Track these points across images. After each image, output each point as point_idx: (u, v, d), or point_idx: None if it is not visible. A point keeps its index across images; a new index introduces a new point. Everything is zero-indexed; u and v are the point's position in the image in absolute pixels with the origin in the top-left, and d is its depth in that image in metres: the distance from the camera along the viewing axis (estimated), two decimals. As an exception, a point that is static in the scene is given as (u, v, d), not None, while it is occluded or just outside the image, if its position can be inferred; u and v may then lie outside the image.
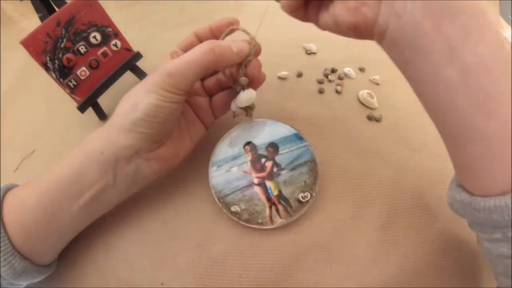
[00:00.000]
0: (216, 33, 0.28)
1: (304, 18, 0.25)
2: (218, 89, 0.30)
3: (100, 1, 0.31)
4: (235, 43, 0.24)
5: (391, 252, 0.27)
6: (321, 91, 0.36)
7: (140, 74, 0.36)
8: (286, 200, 0.27)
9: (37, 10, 0.31)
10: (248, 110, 0.28)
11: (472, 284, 0.27)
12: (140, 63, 0.35)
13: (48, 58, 0.30)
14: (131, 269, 0.27)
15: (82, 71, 0.32)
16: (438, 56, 0.19)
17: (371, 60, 0.38)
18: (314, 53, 0.40)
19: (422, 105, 0.22)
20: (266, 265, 0.26)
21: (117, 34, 0.33)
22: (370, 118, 0.34)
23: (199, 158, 0.30)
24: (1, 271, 0.22)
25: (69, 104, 0.33)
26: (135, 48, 0.35)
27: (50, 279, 0.27)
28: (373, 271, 0.26)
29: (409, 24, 0.19)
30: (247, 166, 0.28)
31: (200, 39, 0.28)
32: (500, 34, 0.18)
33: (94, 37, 0.32)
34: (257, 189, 0.27)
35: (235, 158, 0.28)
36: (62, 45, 0.30)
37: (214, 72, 0.29)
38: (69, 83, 0.31)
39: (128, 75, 0.35)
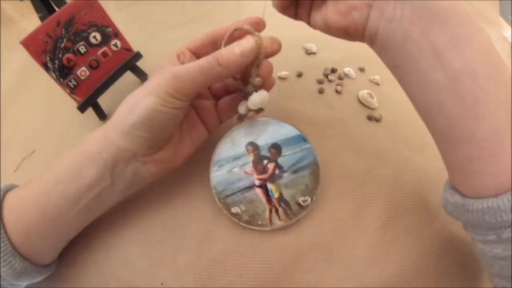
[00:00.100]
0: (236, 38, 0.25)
1: (296, 17, 0.25)
2: (224, 92, 0.29)
3: (100, 1, 0.31)
4: (237, 43, 0.23)
5: (391, 252, 0.27)
6: (321, 91, 0.36)
7: (140, 74, 0.36)
8: (286, 203, 0.27)
9: (37, 10, 0.31)
10: (259, 112, 0.28)
11: (472, 284, 0.27)
12: (140, 63, 0.35)
13: (48, 58, 0.30)
14: (131, 269, 0.27)
15: (82, 71, 0.32)
16: (426, 63, 0.19)
17: (371, 60, 0.38)
18: (314, 53, 0.40)
19: (414, 107, 0.22)
20: (266, 265, 0.26)
21: (117, 34, 0.33)
22: (370, 118, 0.34)
23: (200, 158, 0.30)
24: (1, 271, 0.22)
25: (69, 104, 0.33)
26: (135, 48, 0.35)
27: (50, 279, 0.27)
28: (373, 271, 0.26)
29: (398, 30, 0.19)
30: (249, 167, 0.28)
31: (215, 41, 0.26)
32: (488, 39, 0.19)
33: (94, 37, 0.32)
34: (258, 191, 0.27)
35: (237, 158, 0.28)
36: (62, 45, 0.30)
37: None
38: (69, 83, 0.31)
39: (128, 75, 0.35)
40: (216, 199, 0.27)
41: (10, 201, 0.23)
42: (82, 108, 0.32)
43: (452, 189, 0.21)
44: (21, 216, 0.23)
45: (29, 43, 0.28)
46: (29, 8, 0.42)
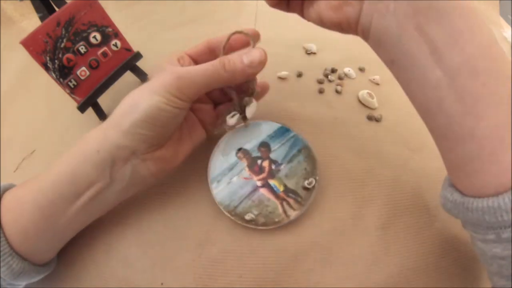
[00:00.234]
0: (233, 45, 0.26)
1: (288, 10, 0.25)
2: (222, 98, 0.29)
3: (100, 1, 0.32)
4: (246, 53, 0.23)
5: (391, 252, 0.27)
6: (321, 91, 0.36)
7: (140, 74, 0.36)
8: (293, 192, 0.27)
9: (37, 10, 0.31)
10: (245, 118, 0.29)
11: (472, 284, 0.27)
12: (140, 63, 0.35)
13: (48, 58, 0.30)
14: (131, 269, 0.27)
15: (82, 71, 0.32)
16: (424, 58, 0.18)
17: (371, 60, 0.38)
18: (314, 53, 0.40)
19: (412, 105, 0.22)
20: (266, 265, 0.26)
21: (117, 34, 0.33)
22: (370, 118, 0.34)
23: (199, 159, 0.30)
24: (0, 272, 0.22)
25: (69, 104, 0.33)
26: (135, 48, 0.35)
27: (50, 279, 0.27)
28: (373, 271, 0.26)
29: (392, 25, 0.19)
30: (246, 172, 0.28)
31: (212, 49, 0.27)
32: (490, 33, 0.18)
33: (94, 37, 0.32)
34: (263, 191, 0.27)
35: (231, 168, 0.28)
36: (62, 45, 0.30)
37: None
38: (69, 83, 0.31)
39: (128, 75, 0.35)
40: (227, 214, 0.27)
41: (8, 201, 0.23)
42: (82, 108, 0.32)
43: (452, 187, 0.21)
44: (19, 215, 0.22)
45: (29, 43, 0.28)
46: (29, 8, 0.42)
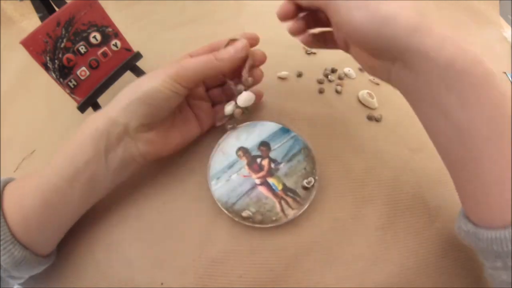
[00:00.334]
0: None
1: (325, 46, 0.29)
2: (221, 97, 0.31)
3: (100, 1, 0.32)
4: (233, 46, 0.27)
5: (391, 252, 0.27)
6: (321, 91, 0.36)
7: (140, 74, 0.36)
8: (292, 191, 0.27)
9: (37, 10, 0.31)
10: (245, 112, 0.29)
11: (472, 284, 0.27)
12: (140, 63, 0.35)
13: (48, 58, 0.30)
14: (131, 269, 0.27)
15: (82, 71, 0.32)
16: (434, 114, 0.21)
17: (371, 60, 0.38)
18: (314, 53, 0.40)
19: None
20: (266, 265, 0.26)
21: (117, 34, 0.33)
22: (370, 118, 0.34)
23: (199, 158, 0.30)
24: (1, 260, 0.22)
25: (69, 104, 0.33)
26: (135, 48, 0.35)
27: (51, 278, 0.27)
28: (373, 271, 0.26)
29: (410, 87, 0.22)
30: (245, 170, 0.28)
31: (213, 50, 0.28)
32: (499, 95, 0.19)
33: (94, 37, 0.32)
34: (262, 189, 0.27)
35: (231, 166, 0.28)
36: (62, 45, 0.30)
37: (223, 82, 0.31)
38: (69, 83, 0.31)
39: (128, 75, 0.35)
40: (224, 210, 0.27)
41: (9, 191, 0.24)
42: (82, 108, 0.32)
43: (465, 218, 0.23)
44: (20, 203, 0.23)
45: (29, 43, 0.28)
46: (29, 8, 0.42)
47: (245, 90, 0.28)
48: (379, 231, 0.28)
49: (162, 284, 0.26)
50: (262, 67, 0.30)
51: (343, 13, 0.21)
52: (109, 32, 0.33)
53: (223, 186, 0.28)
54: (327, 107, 0.35)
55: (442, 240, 0.28)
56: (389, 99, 0.36)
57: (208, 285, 0.26)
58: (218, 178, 0.28)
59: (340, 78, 0.37)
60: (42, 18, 0.31)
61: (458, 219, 0.24)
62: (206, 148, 0.30)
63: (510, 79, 0.39)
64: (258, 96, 0.30)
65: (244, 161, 0.28)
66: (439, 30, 0.19)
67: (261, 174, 0.28)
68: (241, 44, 0.26)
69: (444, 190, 0.30)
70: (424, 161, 0.32)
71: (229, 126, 0.30)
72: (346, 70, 0.38)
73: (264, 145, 0.29)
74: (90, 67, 0.32)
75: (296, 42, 0.31)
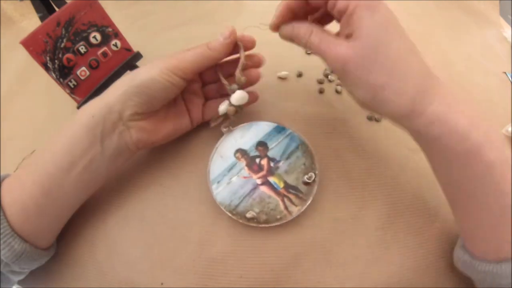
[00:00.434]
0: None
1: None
2: (214, 95, 0.31)
3: (100, 1, 0.32)
4: (221, 34, 0.27)
5: (391, 252, 0.27)
6: (321, 91, 0.36)
7: (140, 74, 0.36)
8: (294, 187, 0.28)
9: (37, 10, 0.31)
10: (238, 111, 0.29)
11: (472, 284, 0.27)
12: (140, 63, 0.35)
13: (48, 58, 0.30)
14: (131, 269, 0.27)
15: (82, 71, 0.32)
16: (440, 175, 0.24)
17: (371, 60, 0.38)
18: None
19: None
20: (266, 265, 0.26)
21: (117, 34, 0.33)
22: (370, 118, 0.34)
23: (199, 158, 0.30)
24: (0, 253, 0.22)
25: (69, 104, 0.33)
26: (135, 48, 0.35)
27: (51, 278, 0.27)
28: (373, 271, 0.26)
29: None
30: (245, 171, 0.28)
31: None
32: (493, 167, 0.20)
33: (94, 37, 0.32)
34: (263, 188, 0.28)
35: (230, 168, 0.28)
36: (62, 45, 0.30)
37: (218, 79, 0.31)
38: (69, 83, 0.31)
39: (128, 75, 0.35)
40: (228, 213, 0.27)
41: (8, 183, 0.24)
42: (82, 108, 0.32)
43: (463, 249, 0.24)
44: (19, 194, 0.23)
45: (29, 43, 0.28)
46: (29, 8, 0.42)
47: (239, 89, 0.28)
48: (379, 231, 0.28)
49: (162, 284, 0.26)
50: (262, 67, 0.30)
51: (348, 84, 0.23)
52: (109, 32, 0.33)
53: (225, 189, 0.28)
54: (327, 107, 0.35)
55: (442, 240, 0.28)
56: (389, 99, 0.36)
57: (208, 285, 0.26)
58: (218, 182, 0.28)
59: (340, 78, 0.37)
60: (42, 18, 0.31)
61: (456, 248, 0.25)
62: (207, 149, 0.29)
63: (510, 79, 0.39)
64: (253, 97, 0.30)
65: (243, 162, 0.28)
66: (432, 109, 0.21)
67: (261, 174, 0.28)
68: (227, 30, 0.26)
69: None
70: (424, 161, 0.31)
71: (224, 129, 0.29)
72: (346, 70, 0.38)
73: (261, 145, 0.29)
74: (90, 67, 0.32)
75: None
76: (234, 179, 0.28)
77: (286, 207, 0.27)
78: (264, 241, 0.27)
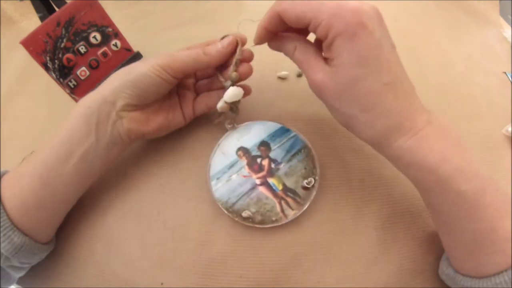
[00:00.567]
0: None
1: None
2: (205, 90, 0.31)
3: (100, 1, 0.32)
4: (221, 42, 0.27)
5: (391, 252, 0.27)
6: (321, 91, 0.36)
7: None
8: (292, 191, 0.27)
9: (37, 10, 0.31)
10: (233, 108, 0.29)
11: (472, 284, 0.27)
12: (140, 63, 0.35)
13: (48, 58, 0.30)
14: (131, 269, 0.27)
15: (82, 71, 0.32)
16: (420, 194, 0.25)
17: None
18: (314, 53, 0.40)
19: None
20: (266, 265, 0.26)
21: (117, 34, 0.33)
22: (370, 118, 0.34)
23: (199, 158, 0.30)
24: (1, 247, 0.22)
25: (69, 104, 0.33)
26: (135, 48, 0.35)
27: (50, 278, 0.27)
28: (373, 271, 0.26)
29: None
30: (245, 170, 0.28)
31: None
32: (455, 194, 0.21)
33: (94, 37, 0.32)
34: (262, 189, 0.27)
35: (231, 166, 0.28)
36: (62, 45, 0.30)
37: (212, 74, 0.31)
38: (69, 83, 0.31)
39: (128, 75, 0.35)
40: (224, 210, 0.27)
41: (7, 179, 0.25)
42: (82, 108, 0.32)
43: (447, 261, 0.25)
44: (19, 189, 0.24)
45: (29, 43, 0.28)
46: (29, 8, 0.42)
47: (232, 85, 0.28)
48: (379, 231, 0.28)
49: (162, 284, 0.26)
50: (262, 67, 0.30)
51: (326, 106, 0.25)
52: (109, 32, 0.33)
53: (223, 186, 0.28)
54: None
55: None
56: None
57: (208, 285, 0.26)
58: (218, 178, 0.28)
59: (340, 78, 0.37)
60: (42, 18, 0.31)
61: (441, 261, 0.26)
62: (206, 149, 0.29)
63: (510, 79, 0.39)
64: (246, 91, 0.30)
65: (244, 161, 0.28)
66: (399, 144, 0.22)
67: (261, 174, 0.28)
68: (227, 40, 0.27)
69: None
70: (424, 161, 0.31)
71: (229, 126, 0.29)
72: (346, 70, 0.38)
73: (264, 145, 0.29)
74: (90, 67, 0.32)
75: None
76: (234, 177, 0.28)
77: (282, 210, 0.27)
78: (264, 241, 0.27)
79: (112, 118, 0.26)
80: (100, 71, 0.33)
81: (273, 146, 0.29)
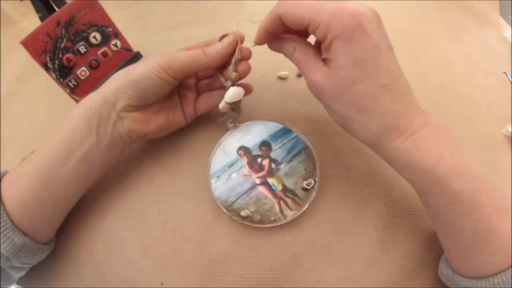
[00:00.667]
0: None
1: None
2: (206, 90, 0.31)
3: (100, 1, 0.32)
4: (221, 42, 0.27)
5: (391, 252, 0.27)
6: (321, 91, 0.36)
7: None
8: (292, 192, 0.27)
9: (37, 10, 0.31)
10: (234, 108, 0.29)
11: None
12: (140, 63, 0.35)
13: (48, 58, 0.30)
14: (131, 269, 0.27)
15: (82, 71, 0.32)
16: (418, 195, 0.25)
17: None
18: (314, 53, 0.40)
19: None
20: (266, 265, 0.26)
21: (117, 34, 0.33)
22: (370, 118, 0.34)
23: (199, 157, 0.30)
24: (1, 247, 0.22)
25: (69, 104, 0.33)
26: (135, 48, 0.35)
27: (50, 278, 0.27)
28: (373, 271, 0.26)
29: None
30: (246, 169, 0.28)
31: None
32: (450, 194, 0.21)
33: (94, 37, 0.32)
34: (261, 189, 0.27)
35: (232, 165, 0.28)
36: (62, 45, 0.30)
37: (213, 74, 0.31)
38: (69, 83, 0.32)
39: (128, 75, 0.35)
40: (223, 209, 0.27)
41: (8, 179, 0.25)
42: (82, 108, 0.32)
43: (446, 262, 0.25)
44: (19, 189, 0.24)
45: (29, 43, 0.28)
46: (29, 8, 0.42)
47: (232, 85, 0.28)
48: (379, 231, 0.28)
49: (162, 284, 0.26)
50: (262, 67, 0.30)
51: (323, 106, 0.25)
52: (109, 32, 0.33)
53: (223, 184, 0.28)
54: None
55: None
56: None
57: (208, 285, 0.26)
58: (218, 177, 0.28)
59: (340, 78, 0.37)
60: (42, 18, 0.31)
61: (441, 263, 0.26)
62: (206, 148, 0.29)
63: (510, 79, 0.39)
64: (247, 90, 0.30)
65: (244, 160, 0.28)
66: (396, 145, 0.22)
67: (261, 174, 0.28)
68: (227, 40, 0.27)
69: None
70: (424, 161, 0.31)
71: (231, 125, 0.29)
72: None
73: (265, 144, 0.29)
74: (90, 67, 0.32)
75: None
76: (234, 175, 0.28)
77: (281, 210, 0.27)
78: (264, 241, 0.27)
79: (113, 118, 0.26)
80: (100, 71, 0.33)
81: (274, 146, 0.29)
